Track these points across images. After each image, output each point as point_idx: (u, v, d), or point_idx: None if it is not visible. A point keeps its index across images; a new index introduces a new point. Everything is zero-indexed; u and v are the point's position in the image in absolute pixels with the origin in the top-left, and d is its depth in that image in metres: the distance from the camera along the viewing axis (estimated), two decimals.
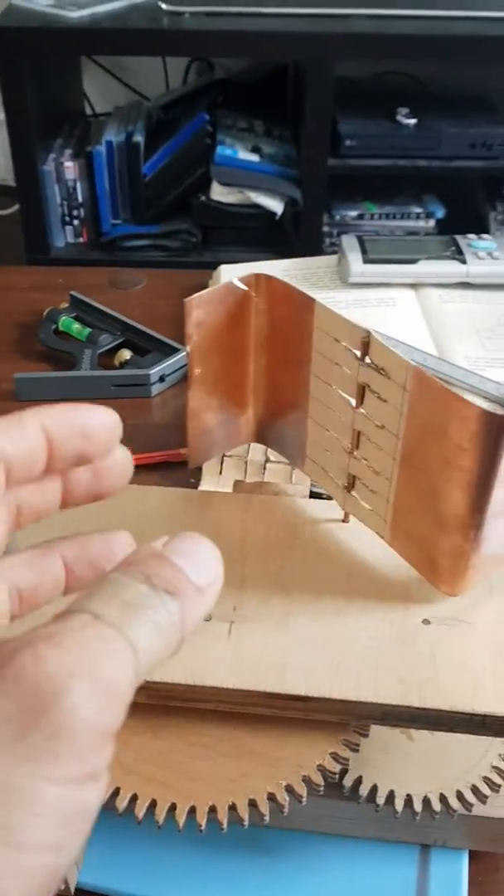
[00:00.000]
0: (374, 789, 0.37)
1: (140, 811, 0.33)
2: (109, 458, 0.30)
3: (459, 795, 0.37)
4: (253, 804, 0.33)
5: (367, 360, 0.34)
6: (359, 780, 0.37)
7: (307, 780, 0.34)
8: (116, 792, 0.33)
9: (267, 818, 0.33)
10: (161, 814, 0.33)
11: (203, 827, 0.33)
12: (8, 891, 0.20)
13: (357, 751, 0.34)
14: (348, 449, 0.37)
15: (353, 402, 0.36)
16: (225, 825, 0.33)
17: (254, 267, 0.83)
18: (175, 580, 0.24)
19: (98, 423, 0.29)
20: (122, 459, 0.30)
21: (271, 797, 0.33)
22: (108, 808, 0.33)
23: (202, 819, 0.33)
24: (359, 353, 0.34)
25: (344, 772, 0.37)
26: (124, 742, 0.34)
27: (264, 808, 0.33)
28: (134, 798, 0.33)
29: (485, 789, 0.37)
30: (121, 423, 0.29)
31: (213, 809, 0.33)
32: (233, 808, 0.33)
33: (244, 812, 0.33)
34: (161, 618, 0.23)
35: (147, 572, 0.23)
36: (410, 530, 0.37)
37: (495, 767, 0.37)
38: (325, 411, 0.38)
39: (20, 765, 0.20)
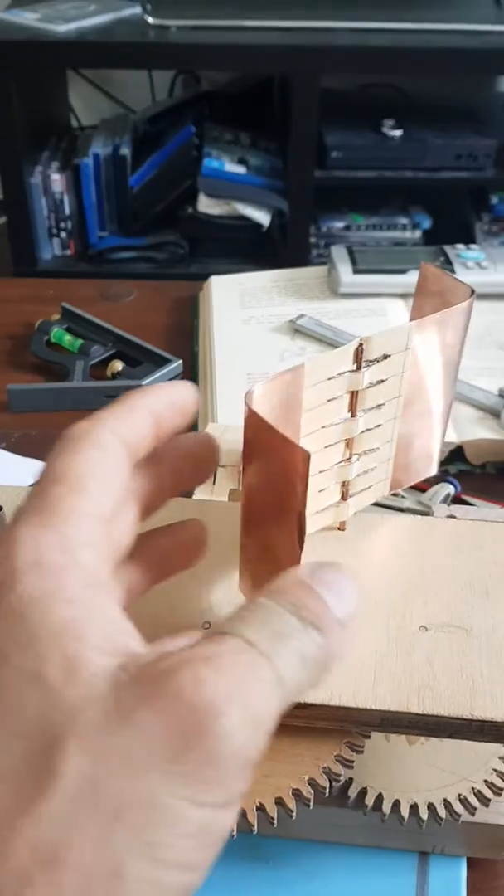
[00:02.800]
0: (372, 797, 0.37)
1: None
2: (201, 441, 0.32)
3: (452, 803, 0.37)
4: (260, 809, 0.33)
5: (365, 362, 0.35)
6: (356, 788, 0.37)
7: (303, 789, 0.34)
8: None
9: (275, 822, 0.33)
10: None
11: None
12: None
13: (361, 752, 0.34)
14: (343, 459, 0.37)
15: (349, 414, 0.36)
16: (235, 831, 0.33)
17: (242, 279, 0.84)
18: (321, 614, 0.24)
19: (191, 398, 0.30)
20: (212, 441, 0.32)
21: (279, 801, 0.33)
22: None
23: None
24: (355, 366, 0.34)
25: (341, 779, 0.37)
26: None
27: (273, 813, 0.33)
28: None
29: (486, 793, 0.37)
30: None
31: None
32: (241, 814, 0.33)
33: (253, 817, 0.33)
34: (307, 651, 0.23)
35: (296, 602, 0.23)
36: (408, 463, 0.40)
37: (494, 773, 0.38)
38: (315, 459, 0.37)
39: (172, 786, 0.20)
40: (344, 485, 0.38)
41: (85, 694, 0.21)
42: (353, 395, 0.35)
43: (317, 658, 0.23)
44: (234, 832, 0.33)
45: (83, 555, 0.24)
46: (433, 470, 0.42)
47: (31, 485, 0.27)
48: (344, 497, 0.39)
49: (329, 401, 0.34)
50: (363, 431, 0.37)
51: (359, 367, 0.34)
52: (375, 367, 0.35)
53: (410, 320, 0.36)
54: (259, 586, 0.34)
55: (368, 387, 0.35)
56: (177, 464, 0.31)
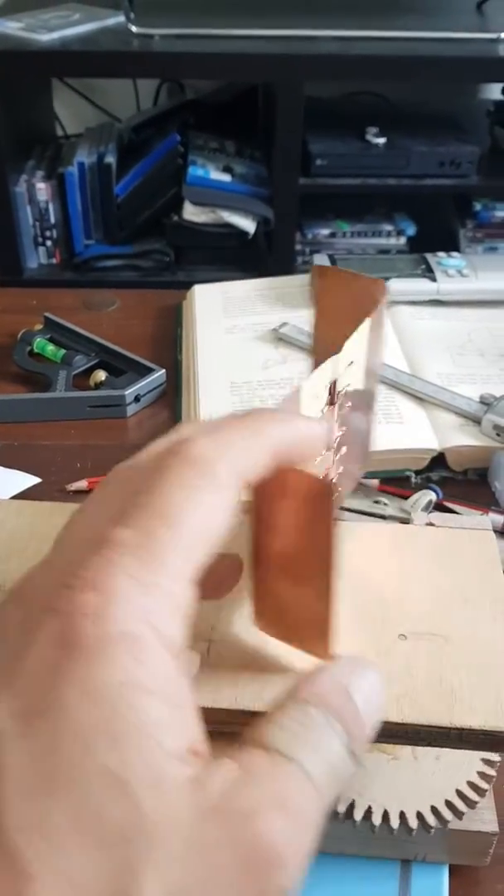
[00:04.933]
0: (352, 806, 0.37)
1: None
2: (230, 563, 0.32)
3: (437, 811, 0.37)
4: None
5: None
6: (345, 800, 0.37)
7: None
8: None
9: None
10: None
11: None
12: None
13: None
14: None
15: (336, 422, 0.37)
16: None
17: (225, 287, 0.84)
18: (356, 727, 0.23)
19: (321, 441, 0.28)
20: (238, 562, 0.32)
21: None
22: None
23: None
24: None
25: None
26: None
27: None
28: None
29: (463, 803, 0.37)
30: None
31: None
32: None
33: None
34: (342, 769, 0.23)
35: (338, 716, 0.23)
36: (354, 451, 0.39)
37: (473, 781, 0.38)
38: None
39: None
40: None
41: (167, 815, 0.20)
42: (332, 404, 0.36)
43: (345, 760, 0.23)
44: None
45: (171, 628, 0.22)
46: (368, 460, 0.42)
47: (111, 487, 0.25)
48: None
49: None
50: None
51: (332, 403, 0.35)
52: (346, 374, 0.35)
53: (316, 324, 0.36)
54: (277, 632, 0.34)
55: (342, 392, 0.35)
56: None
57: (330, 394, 0.35)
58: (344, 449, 0.38)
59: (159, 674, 0.21)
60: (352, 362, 0.35)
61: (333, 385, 0.34)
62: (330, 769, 0.22)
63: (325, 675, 0.24)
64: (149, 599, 0.21)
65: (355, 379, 0.36)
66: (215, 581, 0.31)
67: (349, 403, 0.36)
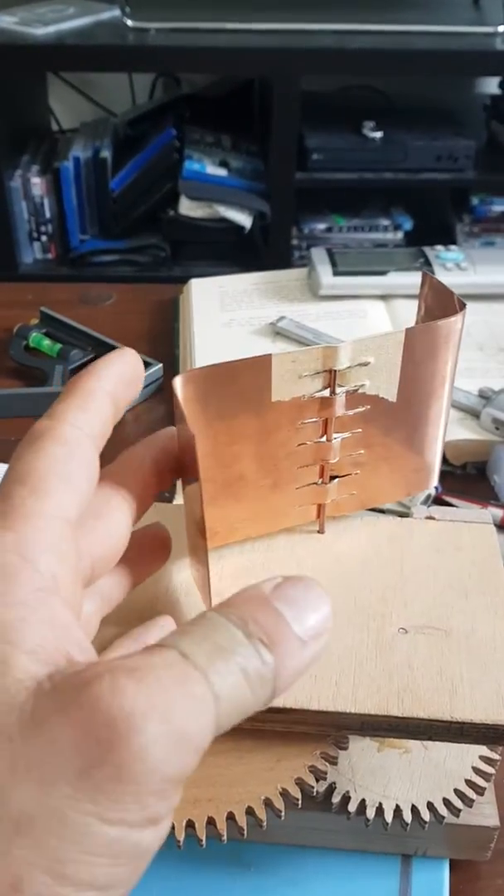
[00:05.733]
0: (350, 800, 0.37)
1: None
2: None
3: (439, 804, 0.37)
4: (231, 818, 0.33)
5: (345, 367, 0.34)
6: (337, 791, 0.37)
7: (284, 794, 0.33)
8: None
9: (245, 833, 0.33)
10: None
11: (181, 843, 0.33)
12: None
13: (335, 763, 0.34)
14: (321, 458, 0.37)
15: (323, 438, 0.36)
16: (203, 841, 0.33)
17: (222, 281, 0.83)
18: (274, 631, 0.22)
19: (139, 366, 0.30)
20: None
21: (249, 811, 0.33)
22: None
23: (180, 835, 0.33)
24: (328, 392, 0.34)
25: (322, 783, 0.37)
26: None
27: (242, 822, 0.33)
28: None
29: (467, 796, 0.37)
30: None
31: (190, 825, 0.33)
32: (211, 822, 0.33)
33: (222, 827, 0.33)
34: (251, 668, 0.22)
35: (246, 617, 0.22)
36: (398, 475, 0.39)
37: (474, 775, 0.38)
38: (292, 452, 0.37)
39: (79, 801, 0.19)
40: (321, 494, 0.38)
41: (4, 700, 0.20)
42: (326, 422, 0.35)
43: (264, 675, 0.22)
44: (224, 838, 0.33)
45: (41, 559, 0.24)
46: (429, 485, 0.41)
47: None
48: (318, 514, 0.39)
49: (302, 397, 0.34)
50: (342, 436, 0.36)
51: (331, 372, 0.34)
52: (355, 372, 0.34)
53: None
54: (194, 571, 0.35)
55: (346, 393, 0.35)
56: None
57: (328, 385, 0.34)
58: (362, 453, 0.37)
59: (25, 588, 0.23)
60: (367, 363, 0.34)
61: (332, 375, 0.34)
62: (221, 659, 0.21)
63: (243, 589, 0.24)
64: (8, 535, 0.24)
65: (375, 384, 0.35)
66: (142, 554, 0.33)
67: (362, 408, 0.36)
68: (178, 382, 0.30)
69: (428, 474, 0.40)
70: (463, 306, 0.34)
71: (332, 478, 0.38)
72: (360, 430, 0.36)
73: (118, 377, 0.29)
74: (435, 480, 0.41)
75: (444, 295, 0.36)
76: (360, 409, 0.36)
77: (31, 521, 0.24)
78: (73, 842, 0.19)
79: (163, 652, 0.21)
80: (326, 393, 0.34)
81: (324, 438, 0.36)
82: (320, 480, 0.37)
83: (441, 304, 0.36)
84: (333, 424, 0.36)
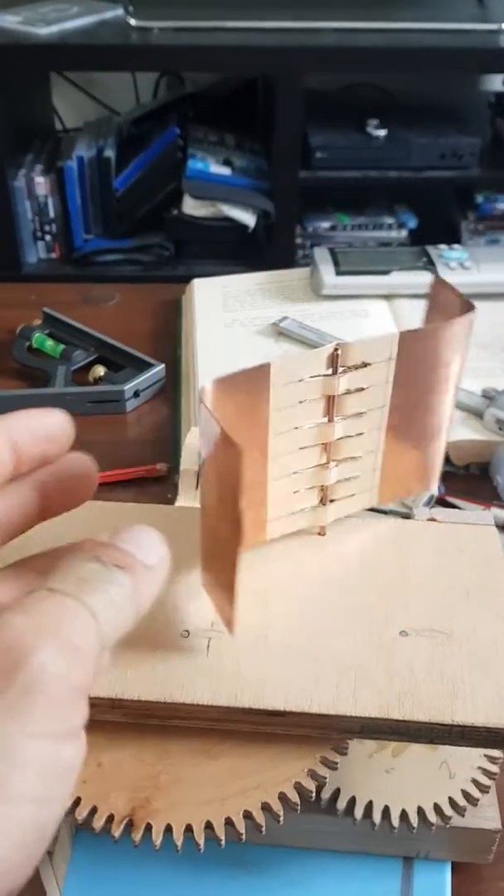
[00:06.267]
0: (353, 802, 0.37)
1: (116, 830, 0.33)
2: (77, 463, 0.32)
3: (445, 806, 0.37)
4: (230, 823, 0.33)
5: (342, 367, 0.34)
6: (338, 794, 0.37)
7: (283, 798, 0.33)
8: (94, 811, 0.33)
9: (244, 837, 0.33)
10: (137, 833, 0.33)
11: (180, 847, 0.32)
12: None
13: (335, 769, 0.34)
14: (321, 463, 0.37)
15: (325, 419, 0.36)
16: (202, 845, 0.32)
17: (225, 281, 0.83)
18: (123, 559, 0.26)
19: (57, 423, 0.31)
20: (88, 462, 0.32)
21: (248, 815, 0.33)
22: (85, 826, 0.33)
23: (178, 838, 0.33)
24: (330, 371, 0.34)
25: (322, 787, 0.37)
26: (95, 760, 0.34)
27: (241, 826, 0.33)
28: (110, 818, 0.33)
29: (472, 795, 0.37)
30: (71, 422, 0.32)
31: (189, 829, 0.33)
32: (209, 826, 0.33)
33: (221, 831, 0.33)
34: (114, 589, 0.25)
35: (97, 553, 0.26)
36: (398, 474, 0.39)
37: (480, 774, 0.37)
38: (288, 459, 0.37)
39: (2, 721, 0.21)
40: (322, 489, 0.38)
41: None
42: (330, 400, 0.35)
43: (126, 594, 0.25)
44: (223, 842, 0.33)
45: None
46: (431, 486, 0.41)
47: None
48: (323, 502, 0.39)
49: (301, 402, 0.34)
50: (341, 438, 0.36)
51: (335, 373, 0.34)
52: (354, 374, 0.34)
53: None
54: (212, 581, 0.34)
55: (346, 393, 0.35)
56: (44, 486, 0.32)
57: (328, 390, 0.34)
58: (360, 454, 0.37)
59: None
60: (365, 364, 0.34)
61: (333, 377, 0.34)
62: (87, 585, 0.24)
63: (84, 540, 0.27)
64: None
65: (373, 388, 0.35)
66: (61, 481, 0.32)
67: (363, 410, 0.36)
68: (206, 393, 0.31)
69: (430, 475, 0.40)
70: (471, 308, 0.34)
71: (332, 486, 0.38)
72: (362, 431, 0.36)
73: (26, 429, 0.31)
74: (437, 481, 0.41)
75: (451, 297, 0.36)
76: (361, 410, 0.36)
77: None
78: (3, 759, 0.21)
79: (35, 592, 0.24)
80: (325, 402, 0.34)
81: (326, 438, 0.36)
82: (322, 482, 0.37)
83: (448, 305, 0.36)
84: (335, 426, 0.36)
